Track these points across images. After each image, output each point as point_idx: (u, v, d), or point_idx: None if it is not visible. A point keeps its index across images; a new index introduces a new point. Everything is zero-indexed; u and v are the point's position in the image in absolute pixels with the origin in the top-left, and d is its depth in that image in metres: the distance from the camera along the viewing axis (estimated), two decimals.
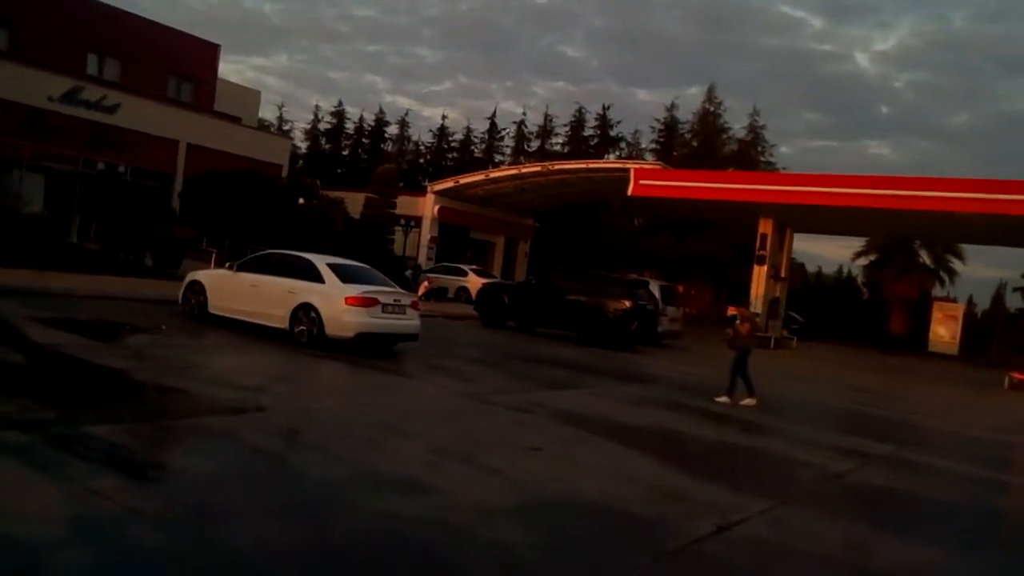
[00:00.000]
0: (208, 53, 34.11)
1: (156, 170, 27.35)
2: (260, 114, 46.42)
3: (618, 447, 8.33)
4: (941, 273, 45.59)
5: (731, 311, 39.04)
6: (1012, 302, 51.84)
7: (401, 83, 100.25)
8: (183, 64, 32.37)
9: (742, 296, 30.13)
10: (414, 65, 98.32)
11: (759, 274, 28.84)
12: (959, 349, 37.89)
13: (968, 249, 44.88)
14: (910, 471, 9.25)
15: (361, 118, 60.84)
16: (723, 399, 12.19)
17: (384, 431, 7.41)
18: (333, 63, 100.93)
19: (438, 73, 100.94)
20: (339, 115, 60.67)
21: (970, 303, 58.82)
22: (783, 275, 30.68)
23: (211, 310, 13.03)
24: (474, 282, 28.88)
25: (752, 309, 28.80)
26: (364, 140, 60.89)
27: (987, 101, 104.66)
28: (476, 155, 58.12)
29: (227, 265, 13.90)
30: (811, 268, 61.03)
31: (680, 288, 40.09)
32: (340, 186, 38.89)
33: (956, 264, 45.43)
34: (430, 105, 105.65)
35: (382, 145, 60.79)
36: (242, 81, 53.46)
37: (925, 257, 45.22)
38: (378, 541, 4.58)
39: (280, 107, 63.51)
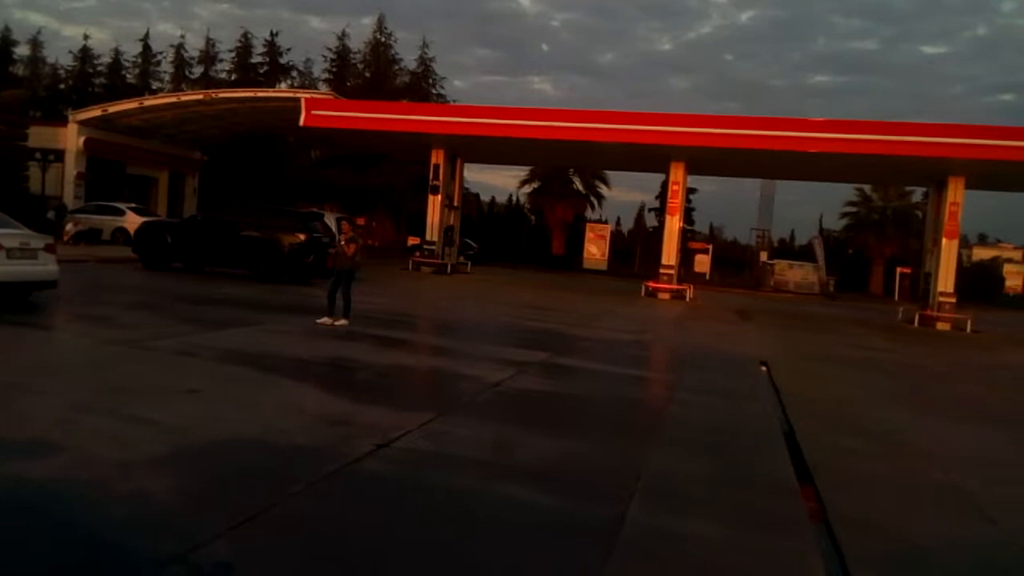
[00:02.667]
0: None
1: None
2: None
3: (286, 381, 8.23)
4: (591, 198, 50.95)
5: (411, 241, 40.14)
6: (650, 221, 59.60)
7: None
8: None
9: (418, 225, 31.03)
10: None
11: (434, 203, 29.81)
12: (608, 265, 42.85)
13: (614, 176, 50.57)
14: (558, 374, 10.33)
15: None
16: (324, 320, 12.36)
17: (6, 391, 6.54)
18: None
19: None
20: None
21: (618, 224, 66.50)
22: (456, 204, 32.01)
23: None
24: (133, 221, 26.38)
25: (427, 238, 29.93)
26: None
27: (627, 41, 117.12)
28: (129, 81, 52.24)
29: None
30: (485, 197, 64.56)
31: (361, 220, 40.25)
32: None
33: (603, 189, 51.11)
34: (71, 23, 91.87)
35: (10, 68, 51.97)
36: None
37: (578, 184, 50.08)
38: None
39: None
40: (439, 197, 29.74)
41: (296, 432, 6.12)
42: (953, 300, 24.71)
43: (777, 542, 4.80)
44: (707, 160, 27.31)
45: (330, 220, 23.06)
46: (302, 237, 19.35)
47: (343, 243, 12.75)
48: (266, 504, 4.48)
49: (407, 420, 6.66)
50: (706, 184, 57.57)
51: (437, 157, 29.57)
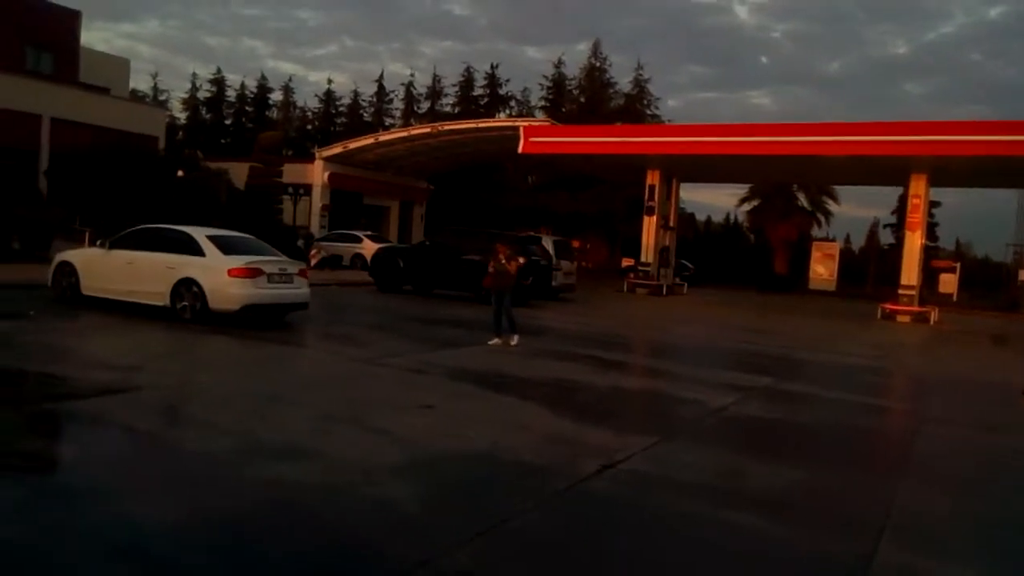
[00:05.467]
0: (68, 20, 31.85)
1: (17, 147, 25.50)
2: (132, 84, 44.00)
3: (511, 399, 8.47)
4: (818, 214, 48.10)
5: (626, 262, 40.06)
6: (884, 238, 55.20)
7: (284, 48, 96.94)
8: (41, 33, 30.18)
9: (633, 248, 30.88)
10: (296, 29, 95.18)
11: (649, 225, 29.56)
12: (836, 285, 40.09)
13: (843, 191, 47.43)
14: (786, 401, 9.78)
15: (243, 85, 58.68)
16: (495, 342, 12.07)
17: (269, 401, 7.28)
18: (209, 28, 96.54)
19: (321, 36, 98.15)
20: (218, 83, 58.22)
21: (847, 241, 62.35)
22: (672, 224, 31.53)
23: (84, 291, 12.40)
24: (369, 248, 28.49)
25: (642, 259, 29.70)
26: (247, 108, 58.68)
27: (856, 47, 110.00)
28: (366, 119, 57.03)
29: (99, 243, 13.20)
30: (701, 217, 63.17)
31: (575, 243, 40.82)
32: (224, 156, 37.48)
33: (831, 205, 48.07)
34: (316, 70, 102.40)
35: (267, 113, 58.76)
36: (110, 50, 50.73)
37: (803, 200, 47.47)
38: (261, 508, 4.53)
39: (154, 76, 60.24)
40: (654, 218, 29.45)
41: (523, 449, 6.26)
42: None
43: None
44: (952, 170, 24.83)
45: (547, 243, 23.58)
46: (521, 260, 19.91)
47: (504, 262, 12.47)
48: (501, 518, 4.60)
49: (630, 442, 6.60)
50: (950, 196, 52.47)
51: (652, 178, 29.34)
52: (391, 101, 58.24)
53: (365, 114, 57.87)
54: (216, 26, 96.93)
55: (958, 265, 42.04)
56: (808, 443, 7.74)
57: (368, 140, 36.07)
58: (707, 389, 9.84)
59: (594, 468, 5.73)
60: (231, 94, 58.47)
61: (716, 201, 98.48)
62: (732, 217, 59.69)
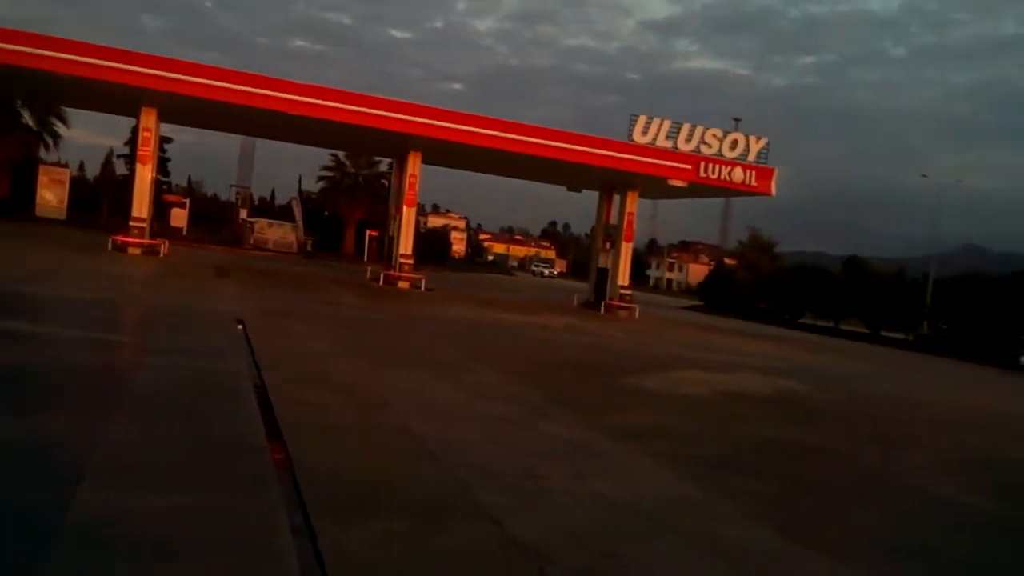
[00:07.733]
0: None
1: None
2: None
3: None
4: (46, 136, 44.14)
5: None
6: (120, 169, 54.38)
7: None
8: None
9: None
10: None
11: None
12: (68, 214, 38.06)
13: (77, 115, 44.75)
14: (9, 343, 8.82)
15: None
16: None
17: None
18: None
19: None
20: None
21: (81, 169, 59.57)
22: None
23: None
24: None
25: None
26: None
27: None
28: None
29: None
30: None
31: None
32: None
33: (61, 128, 44.58)
34: None
35: None
36: None
37: (28, 118, 42.90)
38: None
39: None
40: None
41: None
42: (411, 262, 27.83)
43: (243, 502, 4.85)
44: (181, 109, 25.86)
45: None
46: None
47: None
48: None
49: None
50: (186, 135, 54.57)
51: None
52: None
53: None
54: None
55: (188, 201, 44.52)
56: (18, 386, 7.16)
57: None
58: None
59: None
60: None
61: None
62: None
